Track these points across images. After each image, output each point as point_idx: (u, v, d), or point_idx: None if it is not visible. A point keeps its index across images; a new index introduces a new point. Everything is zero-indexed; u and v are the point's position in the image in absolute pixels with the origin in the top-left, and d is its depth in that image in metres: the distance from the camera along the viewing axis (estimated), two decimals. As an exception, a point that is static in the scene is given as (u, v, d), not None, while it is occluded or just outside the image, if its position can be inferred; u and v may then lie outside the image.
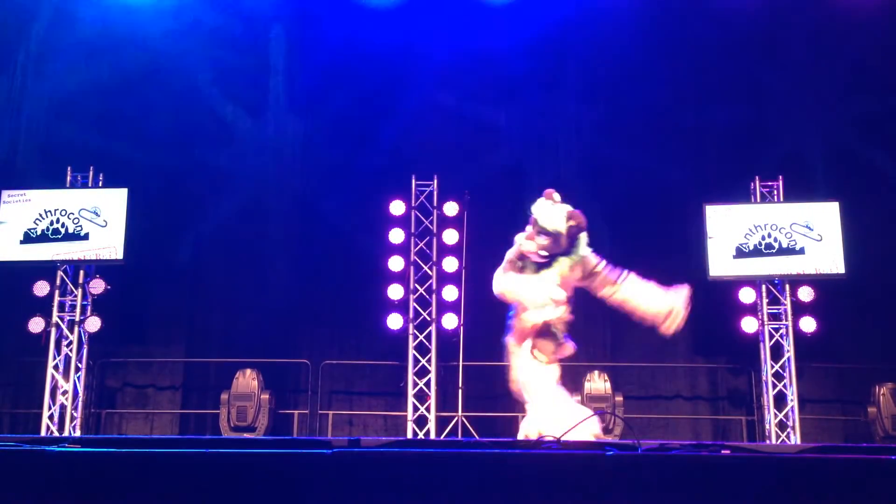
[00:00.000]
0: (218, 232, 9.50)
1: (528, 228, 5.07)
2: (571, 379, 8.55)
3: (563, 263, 5.04)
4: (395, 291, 8.84)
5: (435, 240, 8.99)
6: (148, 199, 9.07)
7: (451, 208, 8.97)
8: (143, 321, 9.42)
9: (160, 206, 9.27)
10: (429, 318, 8.84)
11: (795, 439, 8.30)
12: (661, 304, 5.06)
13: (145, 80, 9.40)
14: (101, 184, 9.06)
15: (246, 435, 8.23)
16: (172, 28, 9.19)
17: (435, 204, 9.05)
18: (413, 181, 9.09)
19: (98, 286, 8.67)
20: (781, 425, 8.44)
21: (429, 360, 8.75)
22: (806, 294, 8.57)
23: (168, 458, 3.15)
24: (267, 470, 3.05)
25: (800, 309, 8.59)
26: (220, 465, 3.08)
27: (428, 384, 8.68)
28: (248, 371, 8.61)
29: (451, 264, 8.90)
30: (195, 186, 9.56)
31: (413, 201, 9.07)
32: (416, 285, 8.92)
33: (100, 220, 8.85)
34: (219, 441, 6.43)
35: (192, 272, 9.55)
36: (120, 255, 8.77)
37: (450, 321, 8.78)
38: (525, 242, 5.04)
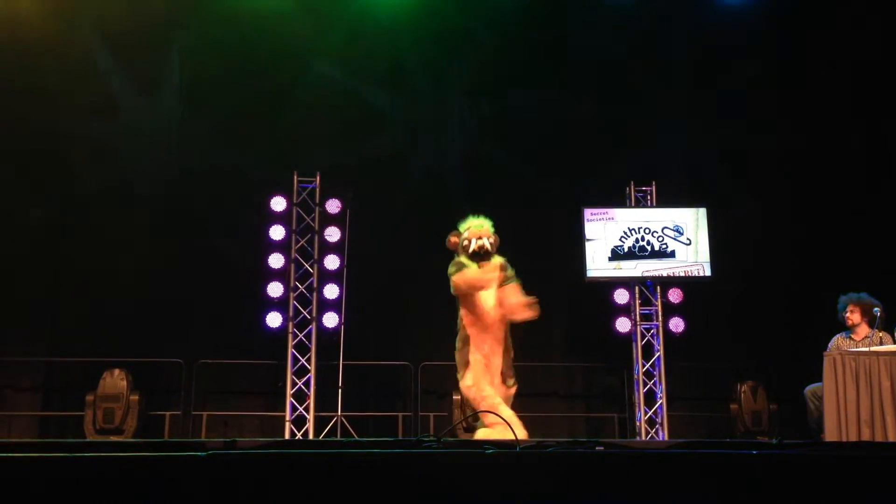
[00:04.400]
0: (86, 222, 9.03)
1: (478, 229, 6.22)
2: (451, 377, 8.66)
3: (496, 260, 6.23)
4: (274, 289, 8.66)
5: (317, 237, 8.87)
6: (9, 183, 8.52)
7: (333, 206, 8.87)
8: None
9: (22, 191, 8.72)
10: (309, 317, 8.71)
11: (663, 435, 8.65)
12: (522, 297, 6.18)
13: (12, 57, 8.87)
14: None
15: (113, 438, 7.87)
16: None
17: (317, 201, 8.93)
18: (295, 178, 8.93)
19: (-50, 280, 8.11)
20: (651, 422, 8.78)
21: (308, 360, 8.61)
22: (675, 295, 8.95)
23: (28, 463, 2.96)
24: (137, 474, 2.90)
25: (669, 310, 8.96)
26: (86, 469, 2.91)
27: (307, 384, 8.55)
28: (117, 371, 8.23)
29: (332, 262, 8.80)
30: (59, 172, 9.04)
31: (295, 198, 8.91)
32: (297, 283, 8.77)
33: (-46, 209, 8.27)
34: (84, 444, 6.11)
35: (56, 265, 9.04)
36: (-25, 247, 8.22)
37: (330, 320, 8.68)
38: (482, 241, 6.16)
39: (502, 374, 6.11)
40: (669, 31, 9.71)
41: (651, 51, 9.70)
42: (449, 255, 6.44)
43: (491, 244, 6.20)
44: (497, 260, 6.21)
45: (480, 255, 6.12)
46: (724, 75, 9.69)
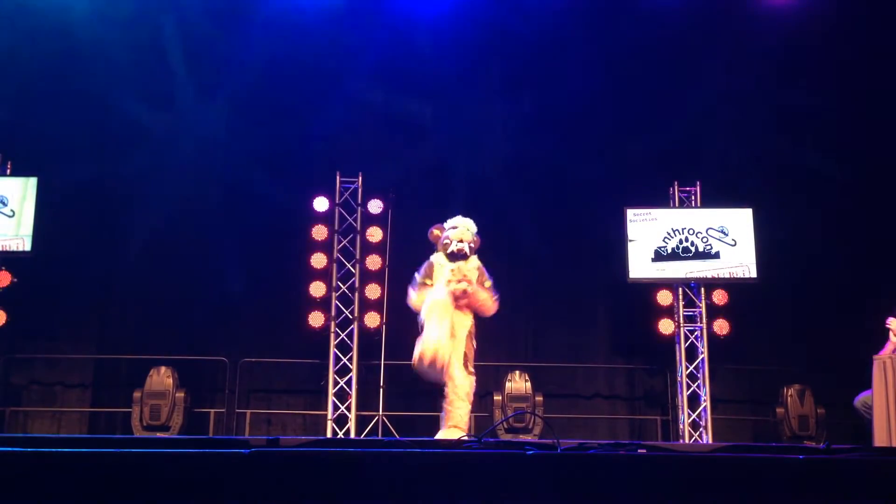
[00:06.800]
0: (132, 225, 9.19)
1: (462, 232, 6.29)
2: (493, 378, 8.66)
3: (473, 261, 6.32)
4: (317, 289, 8.73)
5: (359, 237, 8.92)
6: (59, 187, 8.72)
7: (375, 206, 8.91)
8: (51, 316, 9.03)
9: (72, 195, 8.91)
10: (351, 317, 8.76)
11: (707, 438, 8.54)
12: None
13: (62, 63, 9.07)
14: (9, 171, 8.69)
15: (159, 434, 8.00)
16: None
17: (359, 201, 8.98)
18: (338, 178, 9.00)
19: (3, 279, 8.30)
20: (694, 425, 8.67)
21: (350, 359, 8.67)
22: (720, 297, 8.82)
23: (77, 458, 3.03)
24: (182, 470, 2.95)
25: (714, 312, 8.84)
26: (133, 465, 2.97)
27: (349, 383, 8.61)
28: (163, 368, 8.37)
29: (374, 262, 8.85)
30: (109, 176, 9.21)
31: (337, 198, 8.98)
32: (339, 283, 8.83)
33: (7, 209, 8.48)
34: (131, 440, 6.23)
35: (105, 266, 9.22)
36: (28, 247, 8.42)
37: (372, 320, 8.73)
38: (462, 244, 6.23)
39: (465, 356, 6.04)
40: (722, 32, 9.51)
41: (699, 51, 9.54)
42: (488, 249, 6.46)
43: (471, 247, 6.29)
44: (474, 262, 6.30)
45: (458, 256, 6.23)
46: (778, 80, 9.50)
